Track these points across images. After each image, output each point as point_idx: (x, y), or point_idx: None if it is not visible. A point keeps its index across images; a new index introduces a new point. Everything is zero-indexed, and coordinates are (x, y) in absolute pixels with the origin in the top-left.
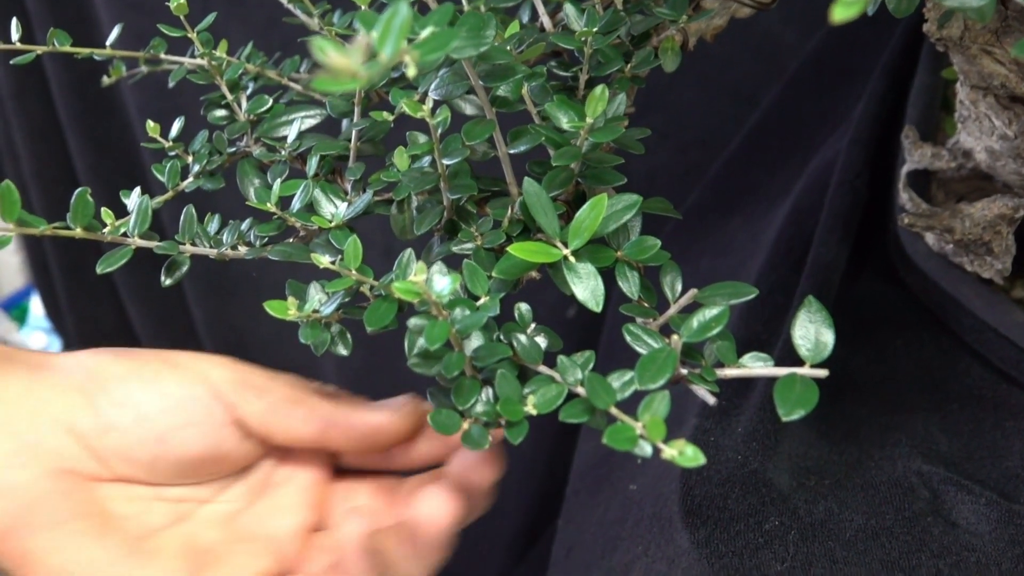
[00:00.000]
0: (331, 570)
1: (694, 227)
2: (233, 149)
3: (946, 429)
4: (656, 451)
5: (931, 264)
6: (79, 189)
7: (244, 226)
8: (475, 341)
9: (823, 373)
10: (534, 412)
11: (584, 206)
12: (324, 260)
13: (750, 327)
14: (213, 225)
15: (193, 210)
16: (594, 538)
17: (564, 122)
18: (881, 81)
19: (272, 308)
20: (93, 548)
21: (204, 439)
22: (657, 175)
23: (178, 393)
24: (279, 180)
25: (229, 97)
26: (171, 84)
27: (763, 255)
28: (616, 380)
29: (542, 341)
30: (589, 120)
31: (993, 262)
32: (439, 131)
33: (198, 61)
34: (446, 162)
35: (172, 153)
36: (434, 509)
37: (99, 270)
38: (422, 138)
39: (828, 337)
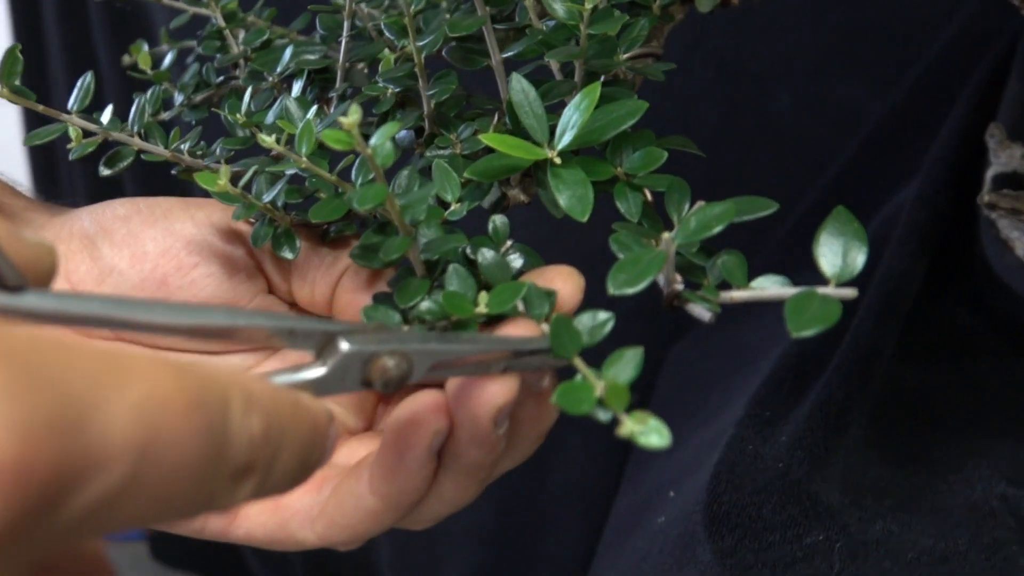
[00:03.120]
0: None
1: None
2: (221, 79)
3: None
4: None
5: (1021, 281)
6: (11, 46)
7: (215, 145)
8: (430, 235)
9: (851, 293)
10: (485, 311)
11: (573, 100)
12: (269, 139)
13: (806, 343)
14: (186, 145)
15: (147, 100)
16: None
17: (560, 11)
18: (969, 101)
19: (202, 179)
20: None
21: (215, 284)
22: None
23: (188, 232)
24: (246, 97)
25: (223, 24)
26: None
27: None
28: (589, 318)
29: (516, 260)
30: (588, 5)
31: None
32: (412, 7)
33: None
34: (419, 44)
35: (162, 85)
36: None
37: (25, 143)
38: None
39: (859, 254)
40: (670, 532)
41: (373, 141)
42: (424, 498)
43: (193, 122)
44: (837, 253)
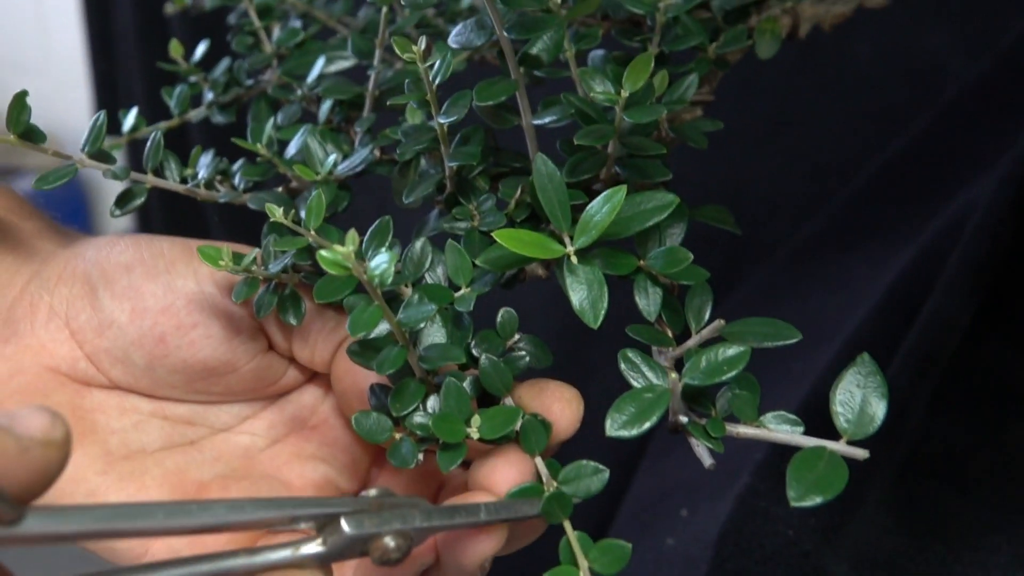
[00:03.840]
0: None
1: (809, 258)
2: (252, 82)
3: None
4: None
5: None
6: (18, 92)
7: (236, 167)
8: (434, 337)
9: (862, 454)
10: (475, 436)
11: (597, 199)
12: (278, 212)
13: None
14: (202, 161)
15: (161, 137)
16: None
17: (598, 91)
18: None
19: (204, 255)
20: None
21: (214, 345)
22: (781, 201)
23: (190, 289)
24: (270, 120)
25: (256, 23)
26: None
27: (877, 299)
28: (587, 470)
29: (522, 359)
30: (625, 93)
31: None
32: (435, 81)
33: None
34: (442, 120)
35: (192, 79)
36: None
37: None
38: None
39: (878, 409)
40: (674, 566)
41: (372, 266)
42: None
43: (222, 122)
44: (854, 408)
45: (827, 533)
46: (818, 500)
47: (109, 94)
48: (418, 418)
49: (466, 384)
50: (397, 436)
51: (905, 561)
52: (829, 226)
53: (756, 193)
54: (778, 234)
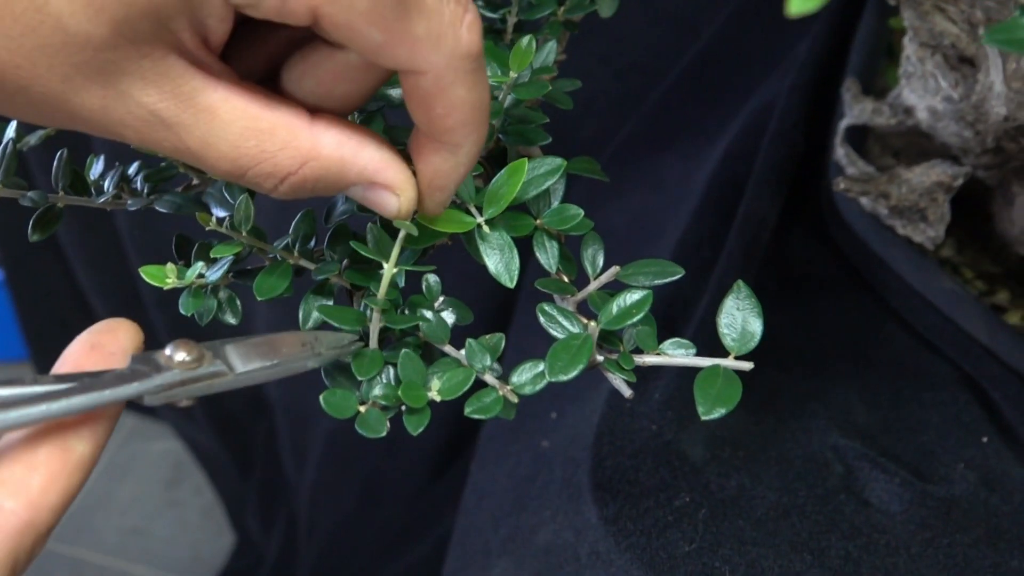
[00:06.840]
0: None
1: (627, 160)
2: None
3: (865, 399)
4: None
5: (862, 224)
6: None
7: (132, 170)
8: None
9: (748, 366)
10: (438, 398)
11: (502, 172)
12: (212, 221)
13: (676, 285)
14: (96, 168)
15: (66, 154)
16: (504, 491)
17: (488, 75)
18: (825, 24)
19: (148, 275)
20: None
21: None
22: (594, 100)
23: None
24: None
25: None
26: None
27: (695, 200)
28: (527, 372)
29: (449, 316)
30: (513, 75)
31: (926, 229)
32: None
33: None
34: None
35: None
36: None
37: None
38: None
39: (756, 326)
40: (555, 468)
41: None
42: None
43: None
44: (736, 328)
45: (683, 422)
46: (722, 411)
47: None
48: (378, 390)
49: (412, 346)
50: (362, 409)
51: (745, 435)
52: (642, 128)
53: (571, 93)
54: (593, 131)
